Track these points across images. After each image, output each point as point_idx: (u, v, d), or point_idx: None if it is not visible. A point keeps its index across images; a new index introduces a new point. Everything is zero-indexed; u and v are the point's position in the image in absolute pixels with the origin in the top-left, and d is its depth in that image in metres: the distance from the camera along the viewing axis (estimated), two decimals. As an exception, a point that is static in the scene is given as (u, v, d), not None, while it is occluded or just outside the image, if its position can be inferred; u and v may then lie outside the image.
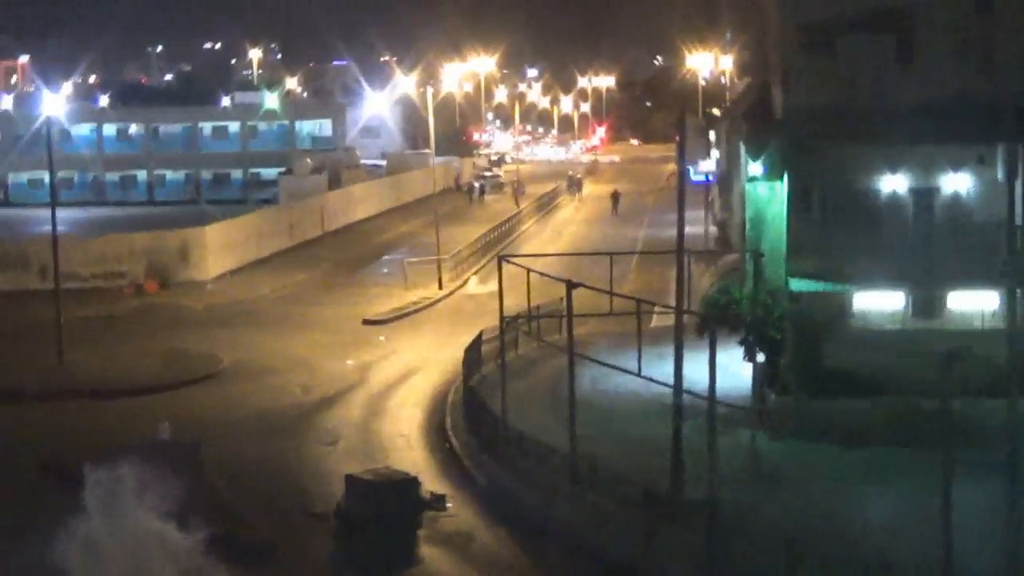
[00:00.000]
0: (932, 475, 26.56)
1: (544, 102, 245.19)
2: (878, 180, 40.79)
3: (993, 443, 30.21)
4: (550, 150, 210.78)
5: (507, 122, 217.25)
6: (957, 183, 40.46)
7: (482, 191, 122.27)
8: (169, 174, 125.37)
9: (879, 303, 40.84)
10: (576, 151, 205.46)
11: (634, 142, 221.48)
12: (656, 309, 48.40)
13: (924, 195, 40.72)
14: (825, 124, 39.84)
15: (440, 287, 68.02)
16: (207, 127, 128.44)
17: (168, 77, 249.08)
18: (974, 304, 40.56)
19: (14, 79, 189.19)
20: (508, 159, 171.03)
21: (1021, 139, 37.48)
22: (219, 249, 74.40)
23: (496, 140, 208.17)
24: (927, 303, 40.78)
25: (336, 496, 34.20)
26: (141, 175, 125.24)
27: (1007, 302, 38.25)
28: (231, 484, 36.30)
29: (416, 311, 63.11)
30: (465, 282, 70.84)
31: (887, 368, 37.01)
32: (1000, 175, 39.64)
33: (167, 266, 70.95)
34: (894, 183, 40.72)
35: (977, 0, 39.49)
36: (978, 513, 28.62)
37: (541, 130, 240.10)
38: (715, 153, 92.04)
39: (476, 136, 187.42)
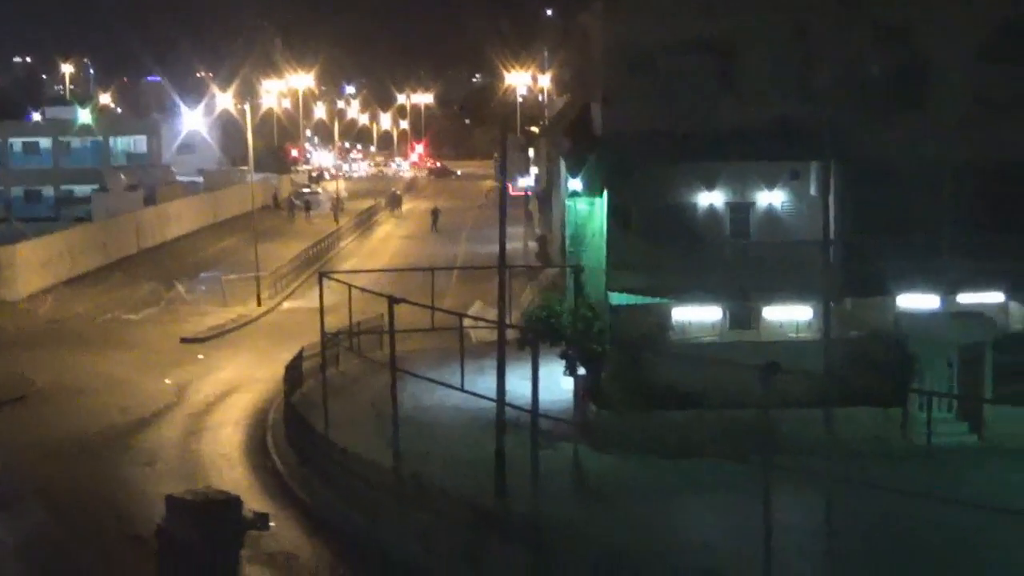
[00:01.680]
0: (753, 485, 26.99)
1: (363, 119, 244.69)
2: (696, 196, 41.51)
3: (811, 451, 30.87)
4: (369, 167, 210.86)
5: (326, 139, 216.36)
6: (772, 199, 41.35)
7: (307, 207, 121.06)
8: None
9: (698, 316, 41.50)
10: (405, 167, 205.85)
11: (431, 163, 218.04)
12: (478, 324, 48.47)
13: (740, 210, 41.57)
14: (644, 142, 40.40)
15: (259, 304, 67.29)
16: (17, 143, 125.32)
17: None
18: (788, 316, 41.48)
19: None
20: (327, 176, 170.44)
21: (833, 157, 38.48)
22: (31, 267, 72.61)
23: (315, 157, 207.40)
24: (743, 316, 41.59)
25: (156, 518, 33.50)
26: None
27: (822, 314, 39.28)
28: (46, 509, 35.40)
29: (235, 328, 62.32)
30: (284, 299, 70.21)
31: (706, 380, 37.52)
32: (813, 190, 40.62)
33: (-24, 285, 69.02)
34: (711, 199, 41.47)
35: (794, 27, 40.41)
36: (798, 520, 29.17)
37: (360, 147, 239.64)
38: (534, 169, 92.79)
39: (294, 153, 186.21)
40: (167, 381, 51.03)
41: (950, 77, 40.71)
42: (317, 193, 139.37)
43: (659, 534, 31.65)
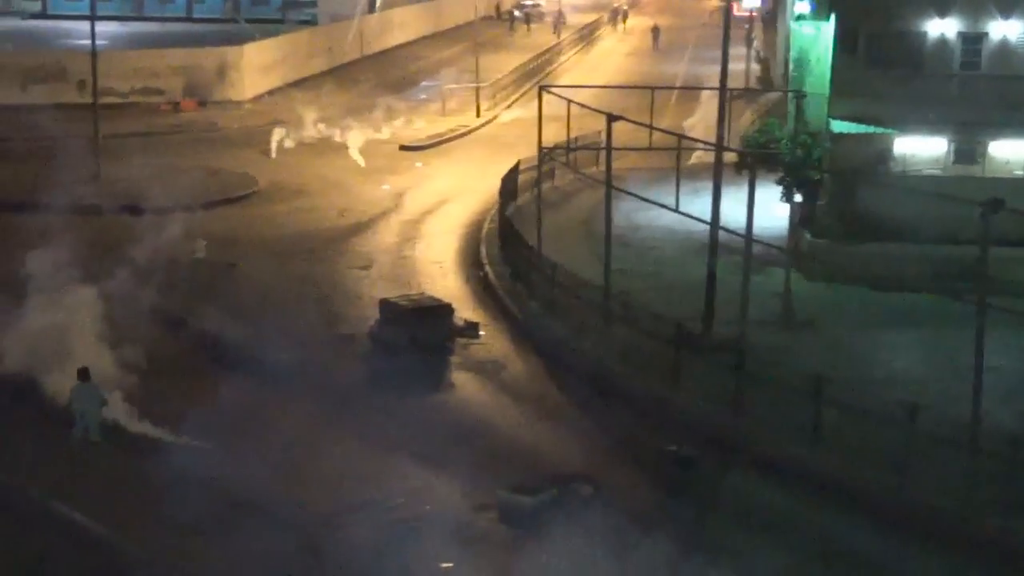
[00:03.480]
0: (963, 322, 26.57)
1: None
2: (926, 24, 40.21)
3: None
4: None
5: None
6: (1007, 29, 39.85)
7: (528, 19, 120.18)
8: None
9: (920, 148, 40.56)
10: None
11: None
12: (695, 145, 48.10)
13: (972, 41, 40.17)
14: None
15: (478, 115, 67.70)
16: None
17: None
18: (1017, 153, 40.28)
19: None
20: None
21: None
22: (257, 69, 73.94)
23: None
24: (968, 150, 40.50)
25: (367, 319, 34.46)
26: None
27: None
28: (262, 302, 36.56)
29: (453, 138, 62.91)
30: (503, 111, 70.43)
31: (925, 214, 36.81)
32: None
33: (205, 84, 70.58)
34: (942, 27, 40.14)
35: None
36: (1008, 363, 28.72)
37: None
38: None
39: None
40: (385, 187, 51.94)
41: None
42: (539, 5, 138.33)
43: (865, 365, 31.47)
